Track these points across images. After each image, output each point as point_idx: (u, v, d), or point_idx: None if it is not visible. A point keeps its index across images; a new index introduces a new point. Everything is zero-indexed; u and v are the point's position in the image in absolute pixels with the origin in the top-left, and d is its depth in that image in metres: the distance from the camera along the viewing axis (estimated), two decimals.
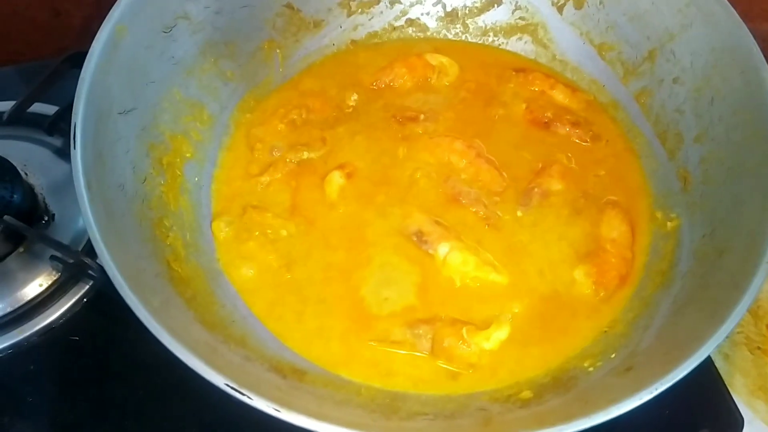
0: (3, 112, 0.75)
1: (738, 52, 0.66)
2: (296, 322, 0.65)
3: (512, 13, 0.86)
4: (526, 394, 0.59)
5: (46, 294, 0.70)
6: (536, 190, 0.72)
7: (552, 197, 0.72)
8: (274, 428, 0.48)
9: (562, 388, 0.58)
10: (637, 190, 0.74)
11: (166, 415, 0.66)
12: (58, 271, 0.71)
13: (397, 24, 0.88)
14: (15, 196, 0.70)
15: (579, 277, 0.67)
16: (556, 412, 0.55)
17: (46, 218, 0.74)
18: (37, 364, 0.68)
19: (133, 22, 0.64)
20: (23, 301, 0.69)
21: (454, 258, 0.67)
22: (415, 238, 0.68)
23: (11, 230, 0.69)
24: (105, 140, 0.61)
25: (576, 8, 0.82)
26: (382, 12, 0.87)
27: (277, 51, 0.82)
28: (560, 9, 0.84)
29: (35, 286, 0.70)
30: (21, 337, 0.68)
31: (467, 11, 0.88)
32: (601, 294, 0.66)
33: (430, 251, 0.68)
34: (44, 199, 0.76)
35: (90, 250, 0.54)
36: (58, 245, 0.69)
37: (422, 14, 0.88)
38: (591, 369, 0.60)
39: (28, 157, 0.79)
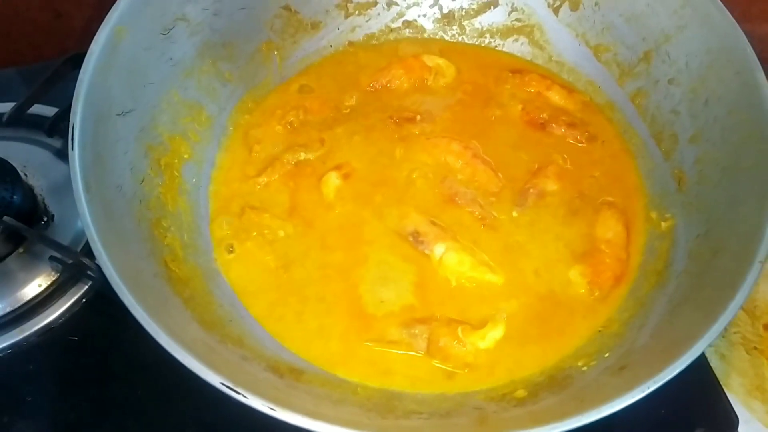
0: (3, 114, 0.75)
1: (733, 54, 0.67)
2: (294, 321, 0.65)
3: (509, 14, 0.87)
4: (521, 392, 0.59)
5: (45, 294, 0.70)
6: (532, 190, 0.72)
7: (548, 198, 0.72)
8: (274, 428, 0.48)
9: (557, 387, 0.58)
10: (632, 190, 0.74)
11: (166, 414, 0.66)
12: (57, 272, 0.71)
13: (394, 26, 0.88)
14: (15, 197, 0.71)
15: (574, 277, 0.67)
16: (550, 410, 0.55)
17: (45, 219, 0.75)
18: (36, 364, 0.68)
19: (132, 24, 0.64)
20: (23, 301, 0.69)
21: (450, 258, 0.67)
22: (411, 239, 0.69)
23: (11, 231, 0.69)
24: (103, 141, 0.61)
25: (572, 10, 0.83)
26: (379, 14, 0.87)
27: (275, 52, 0.82)
28: (556, 11, 0.84)
29: (35, 286, 0.70)
30: (20, 337, 0.68)
31: (464, 13, 0.88)
32: (596, 294, 0.67)
33: (427, 251, 0.68)
34: (44, 200, 0.76)
35: (89, 251, 0.54)
36: (58, 246, 0.70)
37: (419, 16, 0.89)
38: (585, 368, 0.60)
39: (28, 158, 0.79)
